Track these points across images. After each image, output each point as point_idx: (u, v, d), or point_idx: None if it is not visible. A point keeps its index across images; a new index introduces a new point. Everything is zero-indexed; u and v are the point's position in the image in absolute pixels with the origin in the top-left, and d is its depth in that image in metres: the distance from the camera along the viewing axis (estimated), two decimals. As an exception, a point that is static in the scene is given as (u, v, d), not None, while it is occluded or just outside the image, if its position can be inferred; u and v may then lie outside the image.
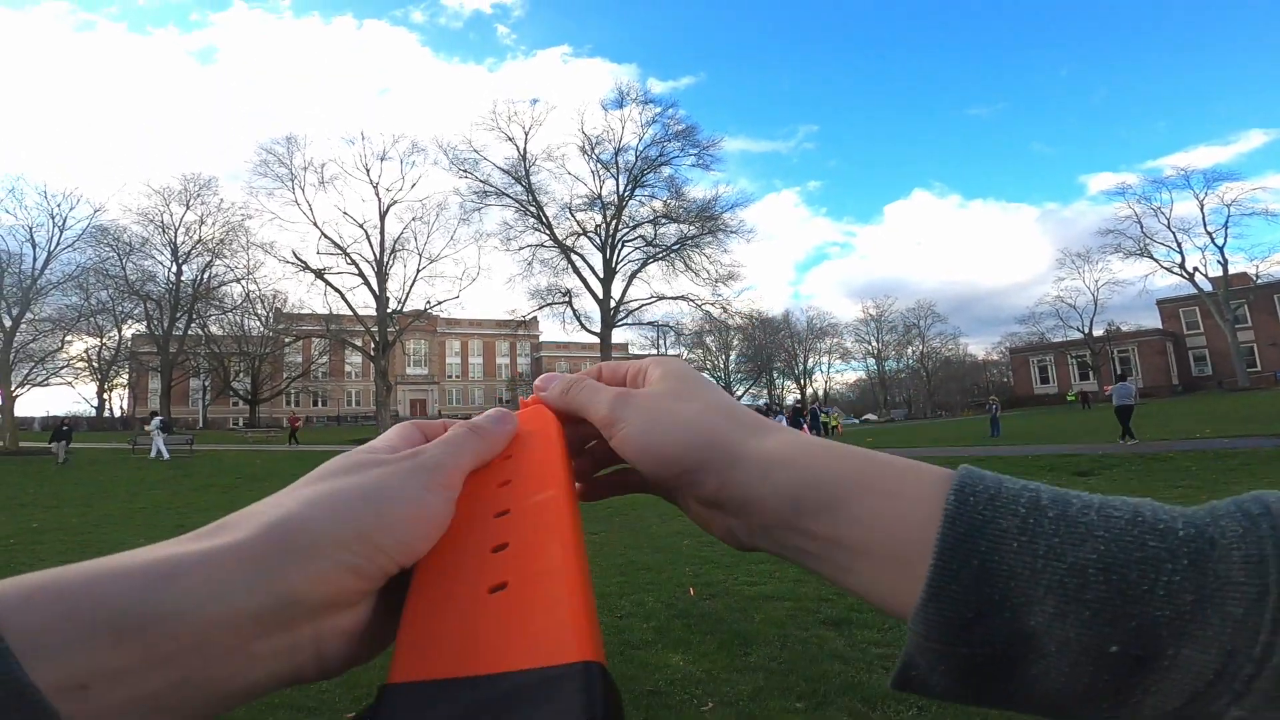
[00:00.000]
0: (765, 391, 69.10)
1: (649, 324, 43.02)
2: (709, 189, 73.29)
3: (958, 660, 0.25)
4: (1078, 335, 56.19)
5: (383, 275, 35.27)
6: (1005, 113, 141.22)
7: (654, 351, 46.94)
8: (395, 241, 35.78)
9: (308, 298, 47.49)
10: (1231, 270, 47.07)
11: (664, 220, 40.14)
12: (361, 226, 35.53)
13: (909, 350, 73.87)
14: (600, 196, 40.39)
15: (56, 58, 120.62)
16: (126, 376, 53.01)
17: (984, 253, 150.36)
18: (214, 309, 42.31)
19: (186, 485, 13.66)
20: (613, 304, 39.53)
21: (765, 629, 4.25)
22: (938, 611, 0.24)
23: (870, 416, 67.30)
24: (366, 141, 46.75)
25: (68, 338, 33.80)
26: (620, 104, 40.35)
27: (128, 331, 47.47)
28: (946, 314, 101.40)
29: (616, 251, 40.05)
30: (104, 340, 47.19)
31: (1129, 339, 55.79)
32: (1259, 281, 48.88)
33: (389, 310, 35.15)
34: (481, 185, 38.62)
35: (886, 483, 0.28)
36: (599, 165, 40.54)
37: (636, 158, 40.21)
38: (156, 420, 21.28)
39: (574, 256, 39.71)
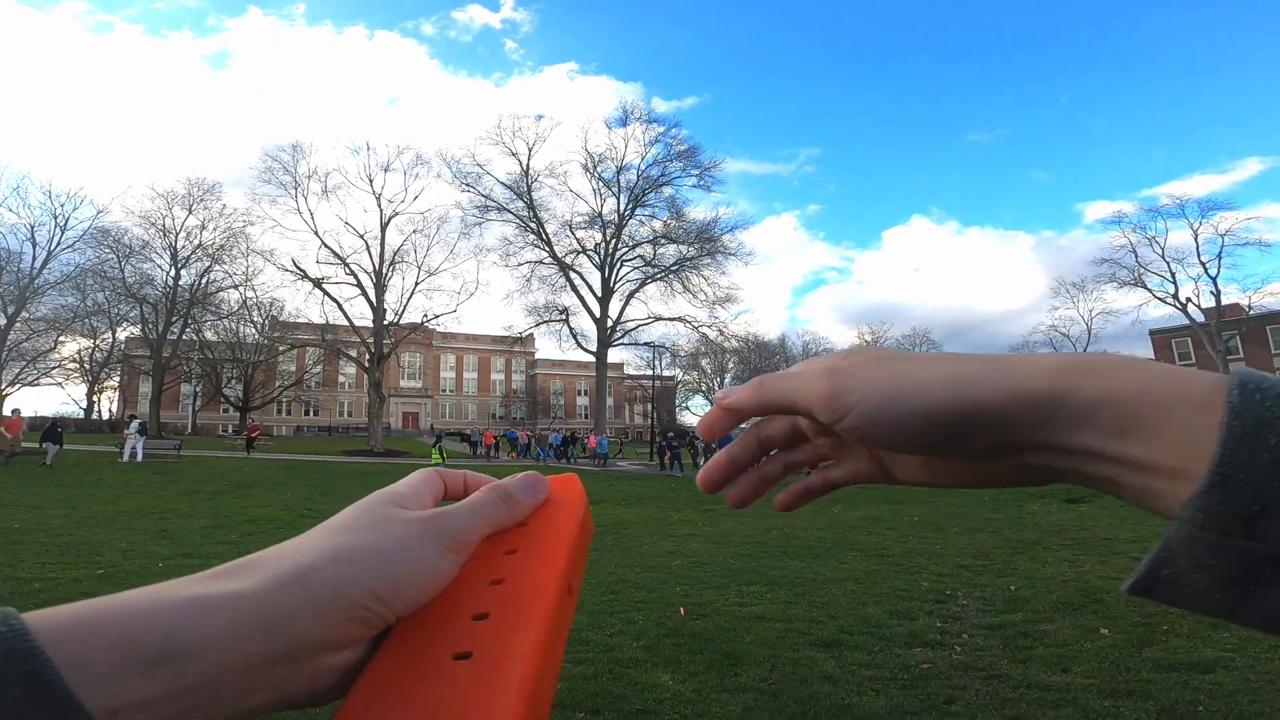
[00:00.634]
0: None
1: (645, 344, 43.01)
2: (709, 210, 74.21)
3: (1234, 556, 0.23)
4: (1070, 367, 56.35)
5: (381, 287, 35.21)
6: (1005, 139, 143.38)
7: (649, 372, 46.92)
8: (395, 253, 35.79)
9: (305, 307, 47.60)
10: (1224, 301, 47.49)
11: (663, 240, 40.37)
12: (362, 237, 35.56)
13: (903, 379, 73.90)
14: (601, 215, 40.65)
15: (72, 58, 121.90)
16: (117, 379, 52.61)
17: (980, 280, 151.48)
18: (210, 315, 42.12)
19: (172, 490, 13.49)
20: (609, 323, 39.56)
21: (755, 649, 4.20)
22: (1223, 499, 0.23)
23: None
24: (371, 152, 47.23)
25: (61, 338, 33.56)
26: (624, 122, 40.86)
27: (122, 334, 47.27)
28: (942, 341, 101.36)
29: (615, 270, 40.20)
30: (97, 342, 46.94)
31: (1121, 371, 55.94)
32: (1251, 312, 49.27)
33: (385, 322, 35.06)
34: (483, 200, 38.90)
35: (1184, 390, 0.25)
36: (600, 183, 40.89)
37: (638, 177, 40.59)
38: (135, 424, 21.09)
39: (572, 274, 39.85)
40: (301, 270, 34.15)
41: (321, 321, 36.66)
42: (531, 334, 41.81)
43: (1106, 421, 0.27)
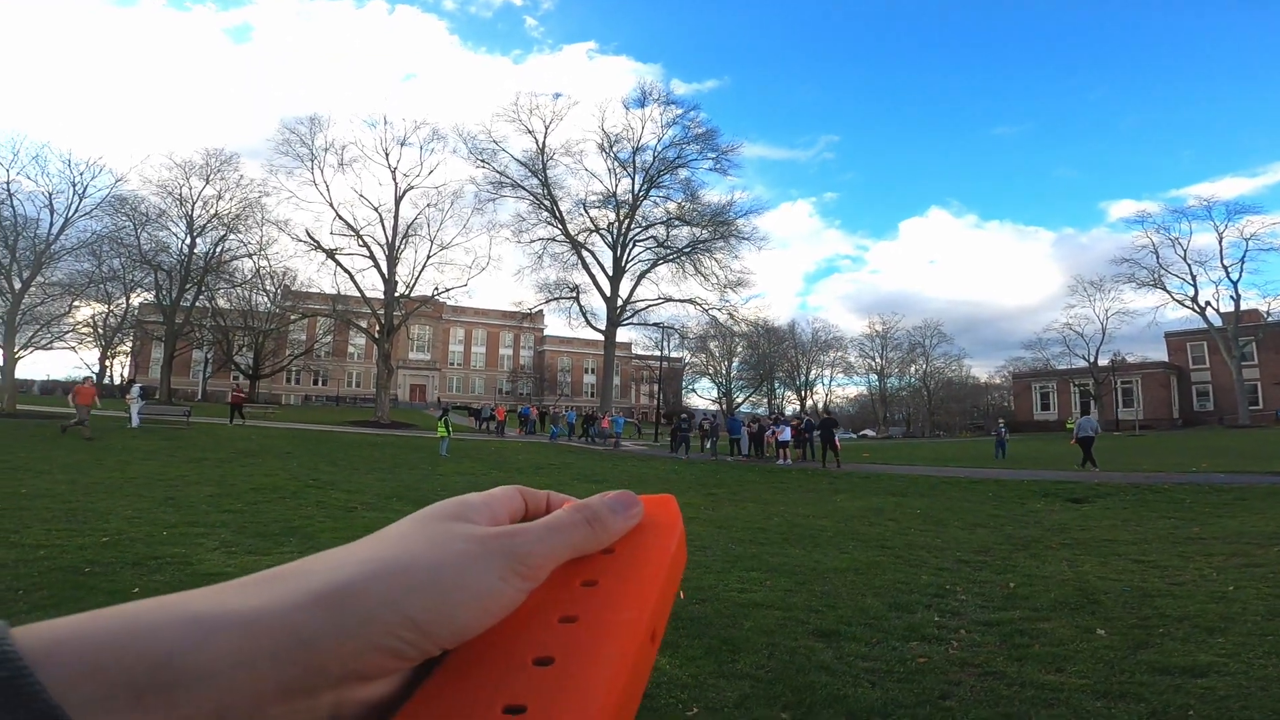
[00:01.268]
0: (765, 400, 68.99)
1: (654, 325, 42.95)
2: (724, 194, 73.61)
3: None
4: (1083, 363, 56.01)
5: (393, 259, 35.26)
6: (1031, 133, 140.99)
7: (657, 353, 46.93)
8: (408, 226, 35.80)
9: (317, 277, 47.82)
10: (1243, 306, 46.90)
11: (677, 222, 40.16)
12: (376, 210, 35.57)
13: (912, 368, 73.68)
14: (615, 194, 40.43)
15: (96, 29, 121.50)
16: (130, 344, 53.11)
17: (996, 274, 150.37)
18: (224, 282, 42.36)
19: (180, 457, 13.65)
20: (620, 303, 39.54)
21: (754, 637, 4.22)
22: None
23: (868, 432, 67.15)
24: (388, 126, 46.91)
25: (76, 303, 33.81)
26: (642, 103, 40.42)
27: (135, 300, 47.62)
28: (953, 334, 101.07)
29: (627, 250, 40.08)
30: (111, 307, 47.33)
31: (1134, 370, 55.57)
32: (1270, 319, 48.61)
33: (396, 294, 35.16)
34: (498, 176, 38.75)
35: None
36: (616, 163, 40.58)
37: (654, 158, 40.25)
38: (136, 388, 21.17)
39: (584, 253, 39.81)
40: (315, 241, 34.23)
41: (333, 292, 36.76)
42: (541, 310, 41.90)
43: None
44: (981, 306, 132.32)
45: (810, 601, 5.06)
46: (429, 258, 35.94)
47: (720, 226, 39.57)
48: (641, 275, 40.46)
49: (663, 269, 40.65)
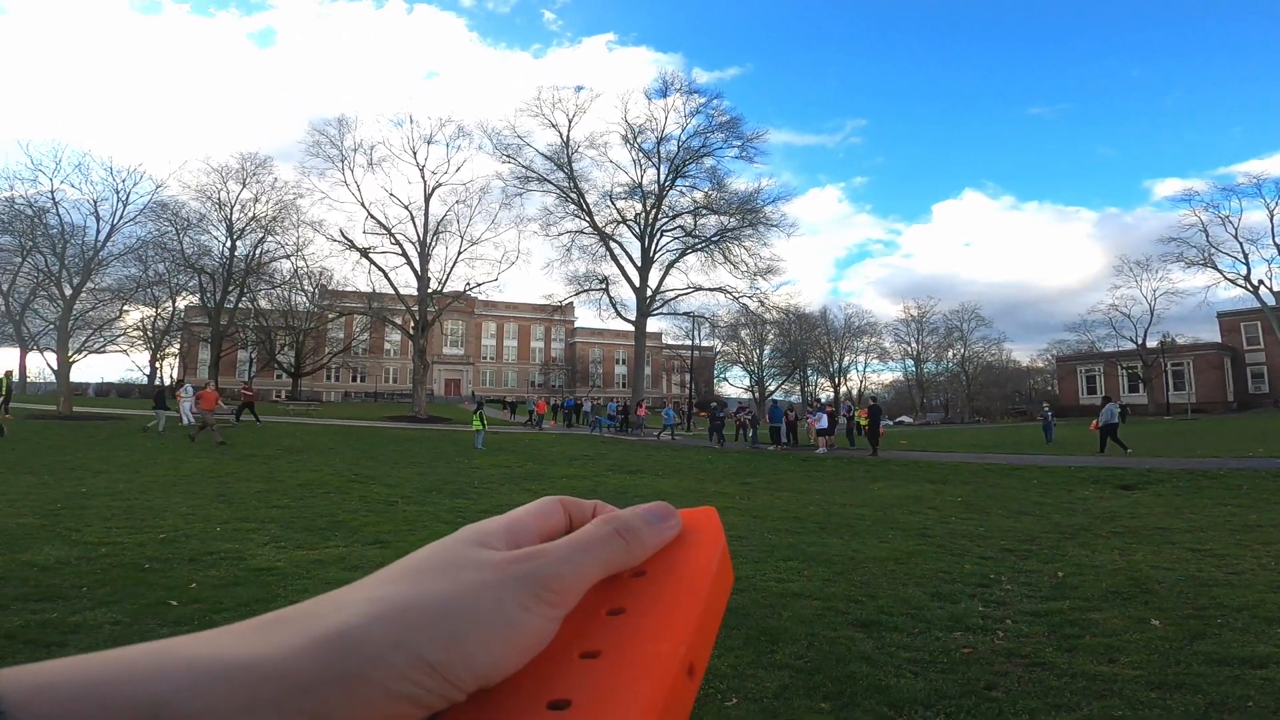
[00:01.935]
0: (798, 388, 68.31)
1: (684, 314, 43.00)
2: (751, 181, 72.77)
3: None
4: (1130, 346, 54.15)
5: (425, 256, 35.85)
6: (1068, 113, 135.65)
7: (688, 342, 46.75)
8: (438, 223, 36.33)
9: (352, 275, 48.83)
10: (1300, 284, 44.75)
11: (704, 211, 39.96)
12: (406, 208, 36.17)
13: (949, 353, 72.12)
14: (641, 185, 40.36)
15: (123, 38, 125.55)
16: (178, 346, 55.03)
17: (1036, 256, 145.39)
18: (264, 284, 43.57)
19: (229, 455, 14.12)
20: (649, 293, 39.54)
21: (793, 627, 4.20)
22: None
23: (905, 418, 65.99)
24: (414, 125, 47.41)
25: (125, 307, 35.17)
26: (664, 93, 40.17)
27: (181, 303, 49.30)
28: (992, 318, 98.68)
29: (655, 241, 40.02)
30: (159, 310, 49.07)
31: (1185, 352, 53.52)
32: (1328, 297, 46.27)
33: (429, 290, 35.73)
34: (524, 170, 38.99)
35: None
36: (640, 154, 40.49)
37: (679, 148, 40.03)
38: (187, 388, 21.53)
39: (612, 244, 39.86)
40: (349, 240, 34.98)
41: (368, 290, 37.60)
42: (571, 302, 42.16)
43: None
44: (1021, 289, 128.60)
45: (849, 591, 5.02)
46: (460, 253, 36.45)
47: (748, 214, 39.24)
48: (670, 265, 40.42)
49: (691, 258, 40.56)
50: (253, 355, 53.13)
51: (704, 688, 3.32)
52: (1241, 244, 44.70)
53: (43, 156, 42.50)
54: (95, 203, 27.49)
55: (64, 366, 25.48)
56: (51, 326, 27.57)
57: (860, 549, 6.57)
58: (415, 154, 36.37)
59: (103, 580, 4.88)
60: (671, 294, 40.77)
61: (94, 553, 5.67)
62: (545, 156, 39.46)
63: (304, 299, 48.86)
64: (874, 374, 76.50)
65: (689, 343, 46.24)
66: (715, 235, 39.61)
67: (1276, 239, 43.78)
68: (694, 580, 0.27)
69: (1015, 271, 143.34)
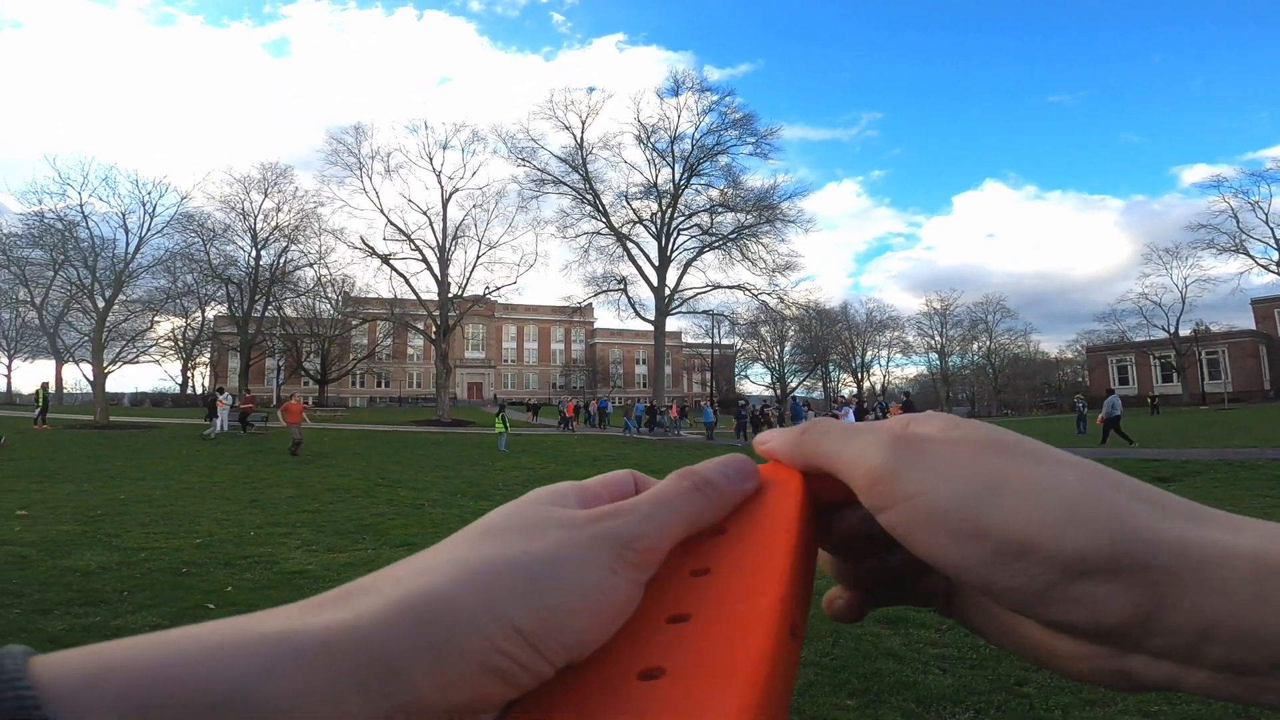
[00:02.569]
0: (820, 384, 67.78)
1: (703, 313, 42.95)
2: (767, 178, 72.39)
3: None
4: (1162, 334, 52.91)
5: (445, 261, 36.26)
6: (1089, 100, 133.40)
7: (708, 340, 46.62)
8: (457, 228, 36.73)
9: (374, 282, 49.32)
10: (1336, 268, 43.36)
11: (720, 209, 39.85)
12: (425, 213, 36.66)
13: (974, 345, 71.04)
14: (656, 185, 40.41)
15: (140, 51, 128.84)
16: (208, 355, 56.29)
17: (1062, 246, 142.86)
18: (289, 292, 44.38)
19: (262, 461, 14.42)
20: (667, 292, 39.53)
21: (817, 623, 4.18)
22: None
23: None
24: (430, 131, 48.16)
25: (156, 318, 36.01)
26: (676, 92, 40.16)
27: (210, 313, 50.41)
28: (1017, 309, 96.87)
29: (672, 240, 40.00)
30: (189, 321, 50.23)
31: (1219, 340, 52.20)
32: (1365, 280, 44.77)
33: (450, 295, 36.12)
34: (539, 173, 39.22)
35: None
36: (655, 153, 40.54)
37: (693, 146, 40.01)
38: (226, 396, 21.95)
39: (629, 244, 39.91)
40: (370, 247, 35.51)
41: (390, 296, 38.11)
42: (590, 304, 42.33)
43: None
44: (1047, 279, 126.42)
45: (875, 588, 4.98)
46: (479, 257, 36.83)
47: (765, 211, 39.08)
48: (688, 264, 40.40)
49: (709, 256, 40.51)
50: (280, 363, 54.15)
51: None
52: (1273, 229, 43.57)
53: (70, 170, 43.84)
54: (124, 215, 28.23)
55: (99, 377, 26.20)
56: (86, 338, 28.33)
57: (886, 545, 6.51)
58: (431, 160, 36.86)
59: (142, 585, 5.02)
60: (690, 293, 40.80)
61: (133, 558, 5.83)
62: (559, 159, 39.71)
63: (328, 306, 49.70)
64: (898, 368, 75.67)
65: (709, 341, 46.14)
66: (732, 233, 39.50)
67: (1311, 223, 42.54)
68: (780, 535, 0.25)
69: (1040, 262, 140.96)
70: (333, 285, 46.42)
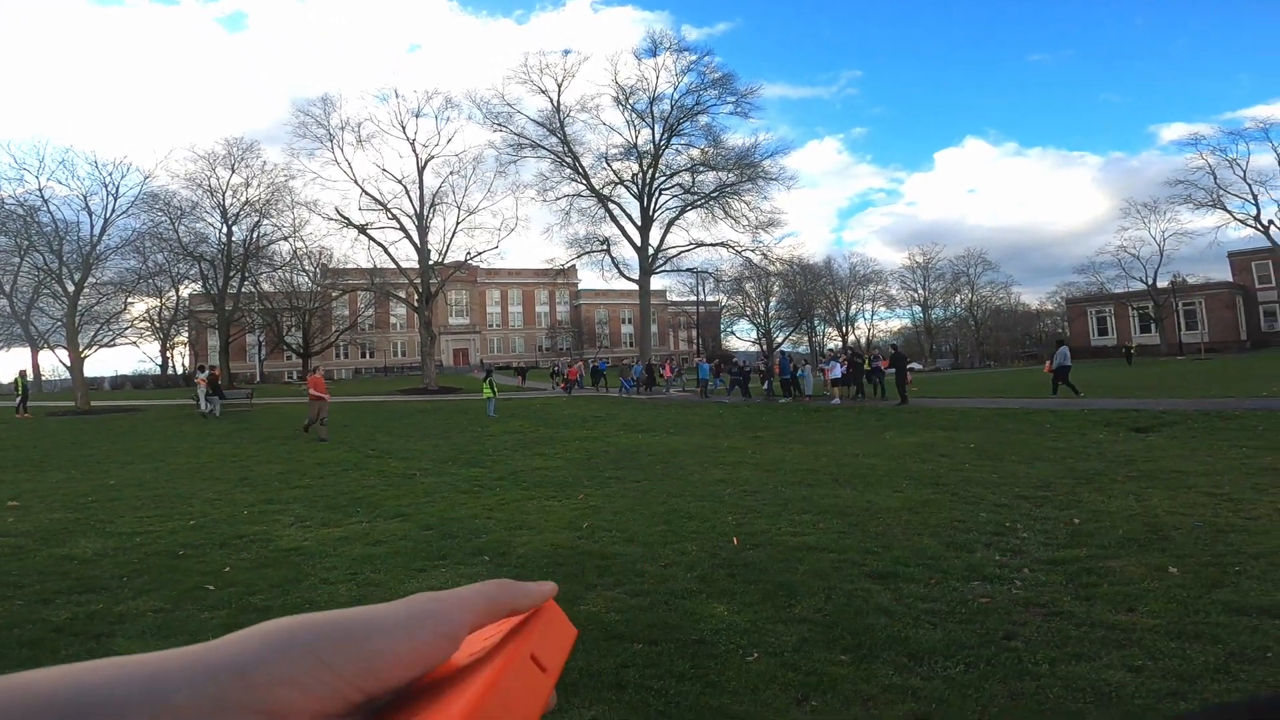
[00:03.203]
0: (806, 339, 68.11)
1: (688, 271, 42.90)
2: (748, 137, 71.36)
3: None
4: (1140, 286, 53.56)
5: (423, 229, 35.63)
6: (1070, 59, 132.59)
7: (693, 298, 46.55)
8: (434, 195, 35.97)
9: (352, 253, 48.68)
10: (1311, 223, 43.92)
11: (702, 168, 39.37)
12: (400, 182, 35.80)
13: (957, 298, 71.53)
14: (636, 146, 39.75)
15: (87, 32, 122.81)
16: (186, 335, 55.29)
17: (1041, 200, 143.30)
18: (264, 267, 43.40)
19: (249, 438, 14.31)
20: (651, 251, 39.27)
21: (810, 580, 4.27)
22: None
23: (915, 365, 65.80)
24: (401, 99, 46.70)
25: (129, 299, 35.15)
26: (653, 53, 39.17)
27: (185, 291, 49.28)
28: (998, 262, 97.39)
29: (654, 200, 39.56)
30: (163, 300, 49.12)
31: (1196, 291, 52.94)
32: (1338, 235, 45.40)
33: (430, 262, 35.60)
34: (516, 138, 38.37)
35: None
36: (634, 115, 39.75)
37: (672, 107, 39.31)
38: (207, 374, 21.56)
39: (611, 205, 39.46)
40: (345, 218, 34.73)
41: (369, 265, 37.47)
42: (573, 265, 41.91)
43: None
44: (1027, 233, 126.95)
45: (865, 543, 5.07)
46: (458, 224, 36.19)
47: (746, 169, 38.62)
48: (671, 223, 40.08)
49: (692, 215, 40.18)
50: (261, 338, 53.37)
51: (725, 644, 3.37)
52: (1250, 186, 43.88)
53: (25, 155, 42.04)
54: (85, 197, 27.24)
55: (77, 362, 25.67)
56: (59, 324, 27.62)
57: (874, 499, 6.62)
58: (404, 128, 35.84)
59: (140, 569, 5.01)
60: (674, 251, 40.58)
61: (129, 543, 5.81)
62: (537, 123, 38.83)
63: (306, 279, 48.78)
64: (881, 321, 76.11)
65: (694, 298, 46.05)
66: (714, 191, 39.09)
67: (1287, 179, 42.89)
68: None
69: (1021, 216, 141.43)
70: (310, 258, 45.51)
